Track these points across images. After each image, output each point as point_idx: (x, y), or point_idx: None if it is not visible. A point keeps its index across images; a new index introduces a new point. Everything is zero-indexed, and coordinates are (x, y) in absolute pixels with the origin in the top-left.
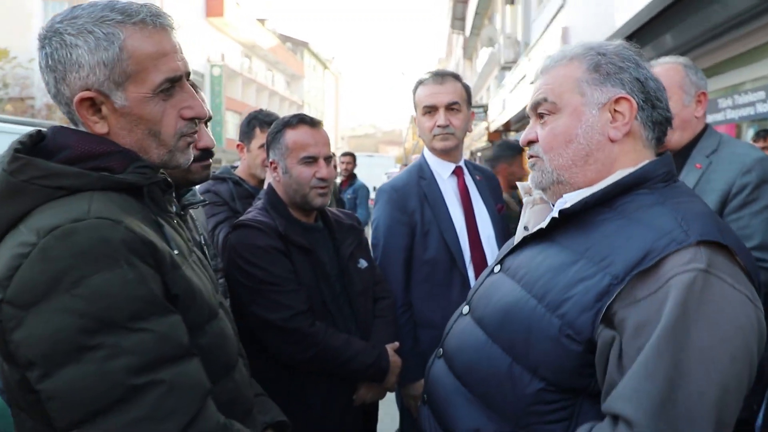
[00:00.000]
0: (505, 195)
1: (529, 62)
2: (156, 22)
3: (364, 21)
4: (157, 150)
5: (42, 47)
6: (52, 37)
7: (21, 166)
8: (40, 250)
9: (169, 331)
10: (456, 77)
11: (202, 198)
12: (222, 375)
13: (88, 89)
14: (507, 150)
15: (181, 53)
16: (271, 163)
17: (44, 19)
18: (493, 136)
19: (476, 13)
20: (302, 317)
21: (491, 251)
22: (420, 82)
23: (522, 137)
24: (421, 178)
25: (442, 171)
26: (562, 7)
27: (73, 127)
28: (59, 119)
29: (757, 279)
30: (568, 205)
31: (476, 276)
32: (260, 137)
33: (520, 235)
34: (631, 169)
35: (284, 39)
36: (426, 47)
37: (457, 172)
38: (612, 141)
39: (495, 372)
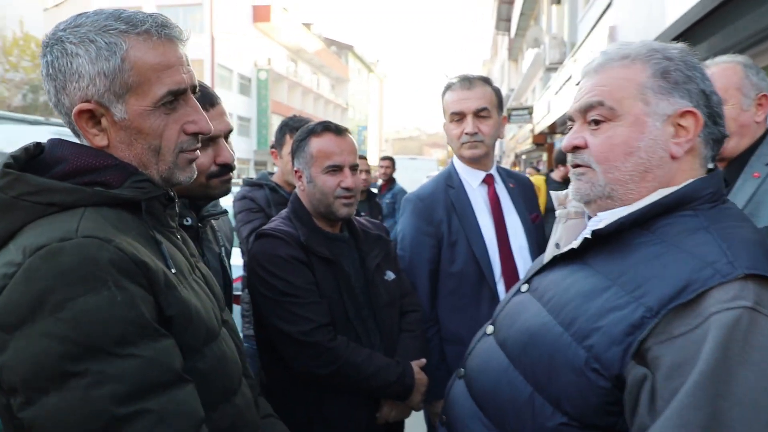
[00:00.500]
0: None
1: (575, 63)
2: (161, 33)
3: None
4: (157, 166)
5: (43, 55)
6: (54, 45)
7: (10, 182)
8: (24, 271)
9: (159, 356)
10: (485, 81)
11: (223, 209)
12: (221, 400)
13: (87, 101)
14: None
15: (188, 66)
16: (295, 171)
17: None
18: (538, 138)
19: (522, 14)
20: (323, 331)
21: (524, 263)
22: (448, 87)
23: (565, 142)
24: (449, 187)
25: (472, 179)
26: (609, 5)
27: (73, 139)
28: None
29: None
30: (601, 225)
31: (507, 290)
32: (290, 143)
33: (550, 253)
34: (675, 188)
35: (329, 43)
36: (471, 49)
37: (488, 181)
38: (673, 158)
39: (515, 400)
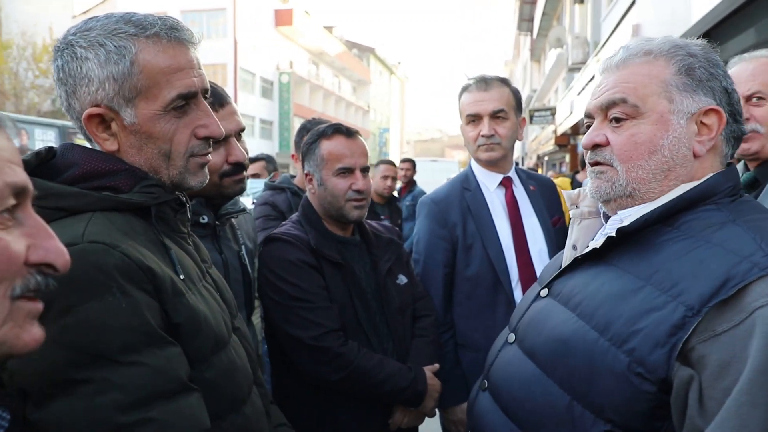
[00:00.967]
0: None
1: (598, 63)
2: (171, 36)
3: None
4: (168, 170)
5: (54, 59)
6: (64, 50)
7: None
8: None
9: (164, 364)
10: (503, 81)
11: (243, 207)
12: (230, 410)
13: (97, 105)
14: None
15: (200, 69)
16: (306, 174)
17: None
18: (561, 139)
19: (544, 14)
20: (333, 336)
21: (542, 268)
22: (464, 89)
23: (586, 139)
24: (465, 189)
25: (489, 182)
26: (633, 3)
27: (86, 143)
28: None
29: None
30: (627, 223)
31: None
32: None
33: (568, 255)
34: (697, 182)
35: (351, 45)
36: (493, 50)
37: (505, 183)
38: (696, 156)
39: (551, 410)
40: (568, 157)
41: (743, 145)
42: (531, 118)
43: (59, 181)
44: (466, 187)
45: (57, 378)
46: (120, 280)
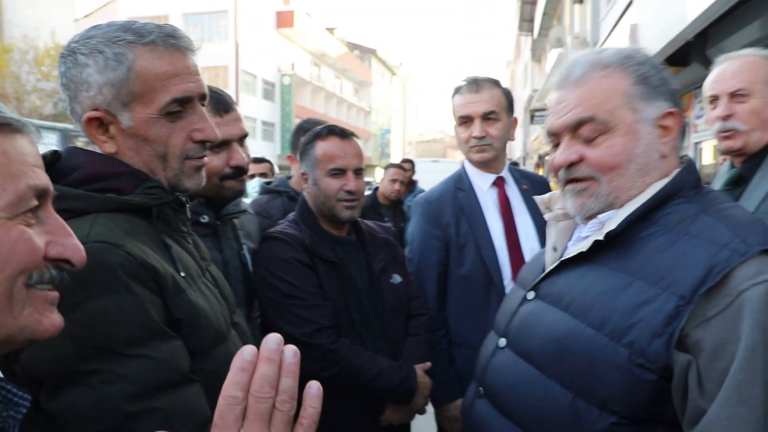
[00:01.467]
0: None
1: None
2: (168, 43)
3: (431, 26)
4: (164, 172)
5: (59, 65)
6: (67, 56)
7: None
8: None
9: (167, 356)
10: (494, 83)
11: (243, 209)
12: None
13: (96, 109)
14: None
15: (197, 75)
16: (302, 174)
17: None
18: None
19: (544, 14)
20: (325, 333)
21: None
22: (456, 90)
23: (560, 159)
24: (458, 189)
25: (482, 182)
26: (630, 3)
27: (89, 147)
28: None
29: None
30: (614, 226)
31: None
32: None
33: (551, 258)
34: (666, 180)
35: (352, 47)
36: (494, 50)
37: (498, 183)
38: (663, 157)
39: (555, 409)
40: None
41: (727, 143)
42: (532, 117)
43: (64, 183)
44: (459, 187)
45: (66, 369)
46: (124, 278)
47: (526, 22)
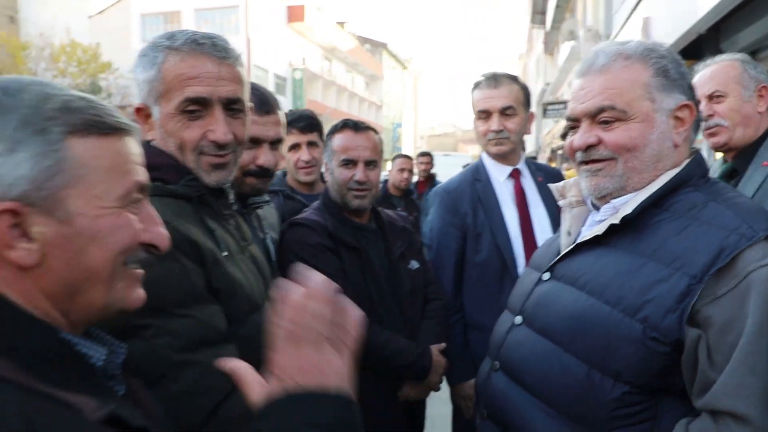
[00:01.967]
0: None
1: None
2: (191, 48)
3: (442, 19)
4: (185, 163)
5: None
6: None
7: None
8: None
9: (208, 318)
10: (512, 79)
11: (266, 198)
12: (260, 365)
13: (141, 102)
14: None
15: (222, 80)
16: (325, 164)
17: (141, 36)
18: None
19: (557, 6)
20: None
21: None
22: (476, 85)
23: (579, 141)
24: (476, 180)
25: (498, 174)
26: None
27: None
28: None
29: None
30: (629, 211)
31: None
32: (287, 139)
33: (566, 241)
34: (677, 169)
35: (363, 41)
36: (506, 43)
37: (514, 175)
38: (675, 146)
39: (571, 381)
40: None
41: (713, 139)
42: (544, 111)
43: None
44: (477, 178)
45: (125, 324)
46: (173, 250)
47: (538, 14)
